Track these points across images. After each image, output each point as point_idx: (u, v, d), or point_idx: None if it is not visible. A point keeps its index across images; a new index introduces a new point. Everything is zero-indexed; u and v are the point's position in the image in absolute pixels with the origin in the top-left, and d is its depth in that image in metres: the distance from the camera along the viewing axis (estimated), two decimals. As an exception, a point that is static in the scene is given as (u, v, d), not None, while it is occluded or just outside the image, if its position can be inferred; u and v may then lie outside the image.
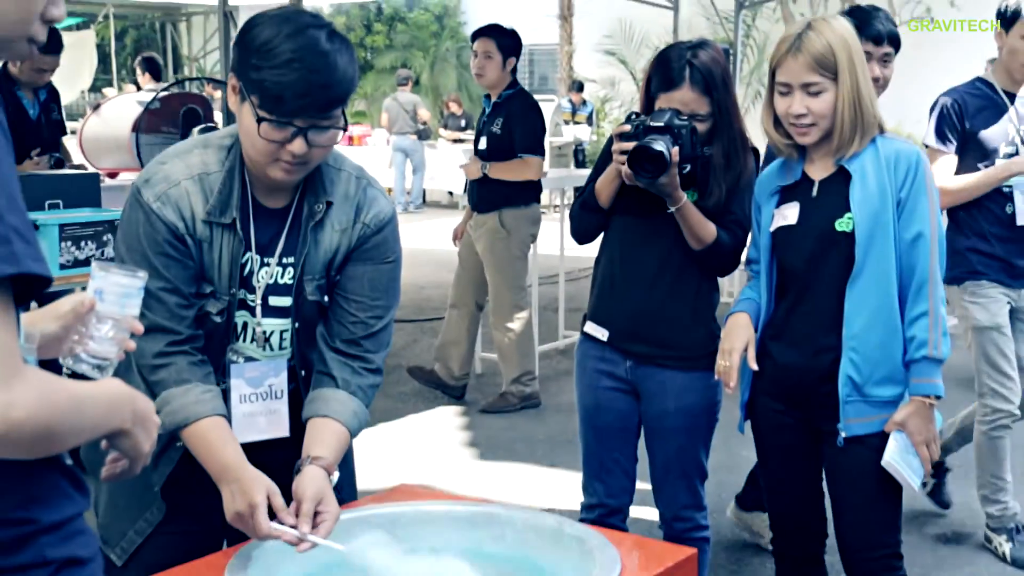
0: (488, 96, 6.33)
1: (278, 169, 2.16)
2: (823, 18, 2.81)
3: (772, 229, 2.88)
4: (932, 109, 4.22)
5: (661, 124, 2.98)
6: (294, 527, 2.05)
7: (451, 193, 16.92)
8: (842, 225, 2.75)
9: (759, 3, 13.43)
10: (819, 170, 2.83)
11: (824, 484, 2.97)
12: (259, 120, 2.10)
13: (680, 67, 3.05)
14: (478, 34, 6.24)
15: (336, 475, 2.20)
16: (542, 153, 6.29)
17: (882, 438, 2.74)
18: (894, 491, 2.79)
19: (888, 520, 2.84)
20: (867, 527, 2.84)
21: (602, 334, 3.27)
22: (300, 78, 2.05)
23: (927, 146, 4.19)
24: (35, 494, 1.43)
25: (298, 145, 2.11)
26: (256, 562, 2.02)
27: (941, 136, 4.16)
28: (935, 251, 2.74)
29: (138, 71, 10.83)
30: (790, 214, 2.84)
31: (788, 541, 3.05)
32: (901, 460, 2.71)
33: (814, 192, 2.82)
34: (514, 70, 6.22)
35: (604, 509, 3.32)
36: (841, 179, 2.78)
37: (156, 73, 10.24)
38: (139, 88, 10.23)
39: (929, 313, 2.72)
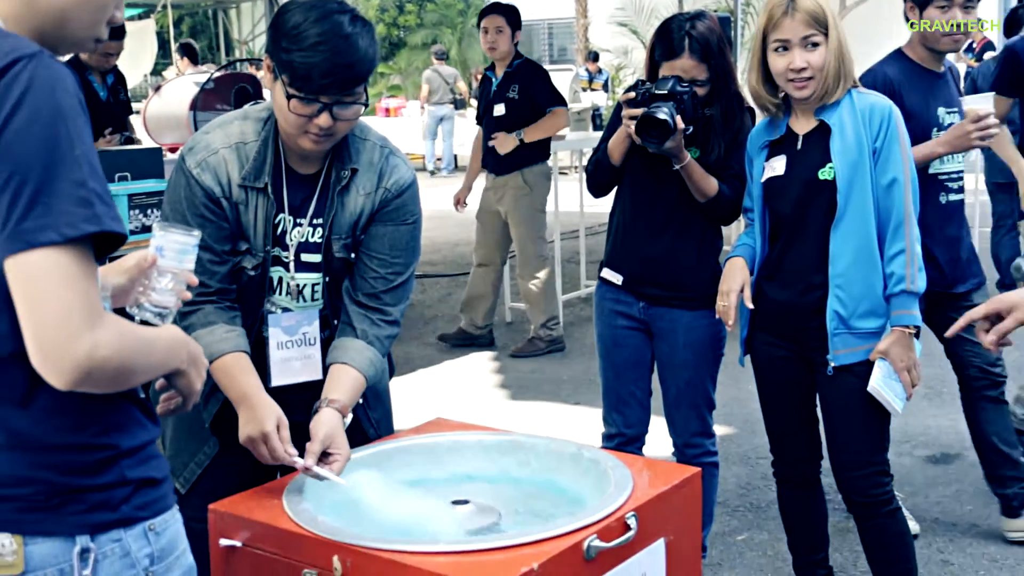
0: (491, 69, 6.31)
1: (307, 140, 2.19)
2: None
3: (763, 180, 2.89)
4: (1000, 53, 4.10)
5: (665, 92, 2.99)
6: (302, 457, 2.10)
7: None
8: (825, 174, 2.77)
9: (759, -26, 13.25)
10: (802, 125, 2.84)
11: (818, 410, 2.99)
12: (289, 97, 2.13)
13: (680, 38, 3.06)
14: (488, 11, 6.24)
15: (349, 417, 2.23)
16: (565, 103, 6.31)
17: (867, 366, 2.75)
18: (880, 415, 2.81)
19: (875, 441, 2.86)
20: (857, 448, 2.86)
21: (617, 279, 3.30)
22: (325, 59, 2.09)
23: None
24: (115, 423, 1.49)
25: (324, 119, 2.15)
26: (309, 488, 2.07)
27: (999, 80, 4.06)
28: (909, 194, 2.75)
29: (176, 57, 10.96)
30: (778, 166, 2.85)
31: (787, 463, 3.08)
32: (885, 385, 2.73)
33: (799, 145, 2.84)
34: (517, 43, 6.23)
35: (622, 438, 3.35)
36: (822, 132, 2.79)
37: (194, 58, 10.42)
38: (179, 72, 10.43)
39: (906, 251, 2.73)
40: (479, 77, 18.37)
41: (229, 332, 2.26)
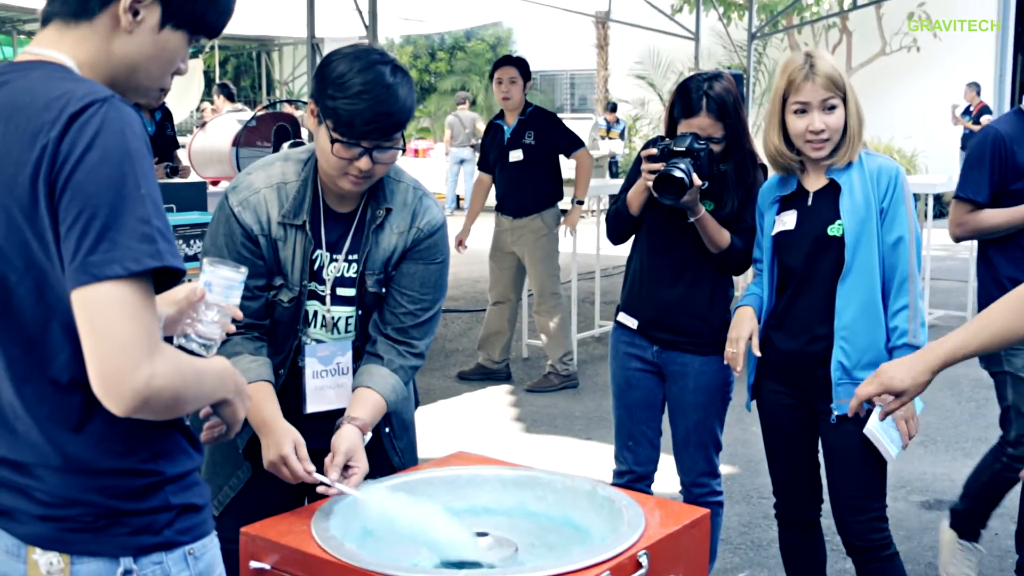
0: (499, 118, 6.31)
1: (347, 181, 2.21)
2: (816, 51, 2.83)
3: (773, 233, 2.88)
4: None
5: (683, 149, 3.00)
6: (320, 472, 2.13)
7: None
8: (833, 230, 2.75)
9: (768, 35, 13.32)
10: (813, 183, 2.83)
11: (819, 456, 2.96)
12: (333, 141, 2.15)
13: (698, 97, 3.07)
14: (502, 63, 6.26)
15: (369, 435, 2.24)
16: (583, 143, 6.35)
17: (869, 416, 2.73)
18: (879, 463, 2.78)
19: (875, 488, 2.83)
20: (857, 493, 2.82)
21: (632, 323, 3.29)
22: (368, 108, 2.11)
23: None
24: (162, 450, 1.49)
25: (364, 162, 2.17)
26: (336, 515, 2.06)
27: None
28: (913, 252, 2.74)
29: (215, 95, 11.20)
30: (789, 220, 2.84)
31: (788, 506, 3.05)
32: (881, 431, 2.69)
33: (809, 202, 2.83)
34: (527, 92, 6.27)
35: (633, 475, 3.34)
36: (832, 191, 2.78)
37: (231, 97, 10.66)
38: (216, 109, 10.68)
39: (909, 306, 2.72)
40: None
41: (253, 362, 2.26)
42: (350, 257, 2.33)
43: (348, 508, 2.10)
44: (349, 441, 2.16)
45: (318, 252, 2.31)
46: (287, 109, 11.86)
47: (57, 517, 1.45)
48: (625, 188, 3.28)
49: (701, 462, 3.30)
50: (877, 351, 2.74)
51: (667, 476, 3.53)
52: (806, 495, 3.01)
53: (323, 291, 2.33)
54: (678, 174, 2.94)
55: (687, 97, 3.10)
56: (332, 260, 2.32)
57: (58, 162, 1.34)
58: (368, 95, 2.11)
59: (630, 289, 3.33)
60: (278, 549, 1.97)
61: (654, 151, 3.04)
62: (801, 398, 2.88)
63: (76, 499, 1.44)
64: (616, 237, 3.36)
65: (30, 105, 1.38)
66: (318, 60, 8.13)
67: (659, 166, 2.99)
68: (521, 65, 6.20)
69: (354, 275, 2.33)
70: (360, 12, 7.58)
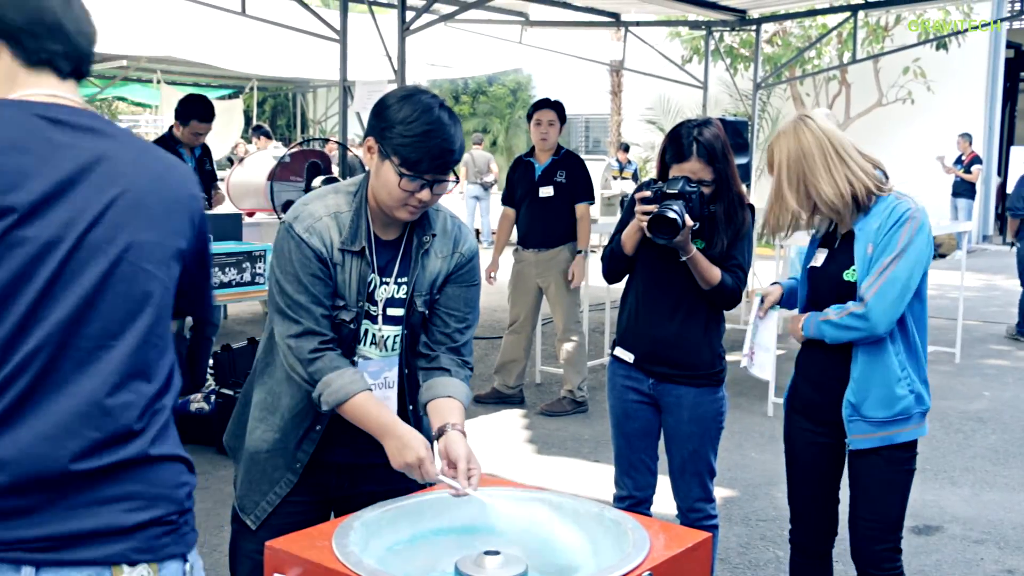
0: (529, 155, 6.27)
1: (405, 211, 2.25)
2: (790, 125, 2.74)
3: (808, 267, 2.86)
4: None
5: (675, 192, 2.99)
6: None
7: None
8: (849, 275, 2.71)
9: (772, 85, 13.32)
10: (844, 226, 2.79)
11: (840, 492, 2.91)
12: (400, 175, 2.19)
13: (688, 143, 3.05)
14: (542, 105, 6.21)
15: (468, 437, 2.28)
16: (593, 199, 6.33)
17: (889, 450, 2.70)
18: (898, 501, 2.74)
19: (892, 521, 2.77)
20: (875, 525, 2.77)
21: (629, 357, 3.26)
22: (435, 146, 2.18)
23: None
24: (190, 463, 1.58)
25: (425, 194, 2.22)
26: (356, 532, 2.04)
27: None
28: (893, 260, 2.62)
29: (252, 135, 11.48)
30: (820, 258, 2.83)
31: (803, 534, 2.97)
32: (762, 341, 2.83)
33: (836, 244, 2.80)
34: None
35: (632, 500, 3.30)
36: (852, 236, 2.73)
37: (268, 136, 10.86)
38: (260, 147, 10.96)
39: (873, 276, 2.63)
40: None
41: (356, 375, 2.28)
42: (399, 280, 2.36)
43: (368, 524, 2.08)
44: (464, 447, 2.20)
45: (372, 275, 2.33)
46: (327, 147, 11.96)
47: (149, 522, 1.44)
48: (619, 230, 3.26)
49: (696, 489, 3.26)
50: (885, 391, 2.68)
51: (665, 498, 3.50)
52: (822, 528, 2.94)
53: (375, 311, 2.35)
54: (672, 215, 2.93)
55: (678, 143, 3.08)
56: (383, 283, 2.35)
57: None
58: (435, 135, 2.18)
59: (626, 325, 3.29)
60: (300, 563, 1.94)
61: (648, 193, 3.03)
62: (824, 432, 2.82)
63: (164, 496, 1.47)
64: (611, 276, 3.32)
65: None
66: (349, 101, 8.18)
67: (653, 208, 2.98)
68: (559, 109, 6.20)
69: (404, 296, 2.36)
70: (390, 58, 7.64)
